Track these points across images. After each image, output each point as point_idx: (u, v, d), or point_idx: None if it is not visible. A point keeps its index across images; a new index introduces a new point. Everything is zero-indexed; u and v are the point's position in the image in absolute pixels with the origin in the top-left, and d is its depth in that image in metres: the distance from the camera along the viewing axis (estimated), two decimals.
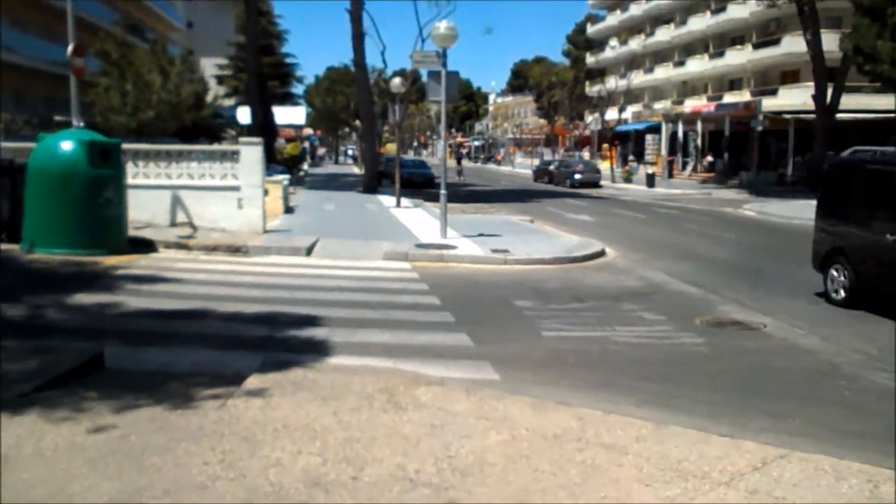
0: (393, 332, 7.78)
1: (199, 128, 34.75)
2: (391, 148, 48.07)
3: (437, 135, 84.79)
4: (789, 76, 45.58)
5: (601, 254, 14.07)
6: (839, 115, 34.56)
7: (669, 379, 6.61)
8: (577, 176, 39.29)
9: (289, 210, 20.41)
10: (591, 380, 6.51)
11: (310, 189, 30.82)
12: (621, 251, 14.65)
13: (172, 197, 14.86)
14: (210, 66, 56.94)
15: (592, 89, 63.16)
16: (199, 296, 9.23)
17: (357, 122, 54.03)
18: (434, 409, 5.18)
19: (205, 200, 14.83)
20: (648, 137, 53.60)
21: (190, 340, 7.22)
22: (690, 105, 50.56)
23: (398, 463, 4.24)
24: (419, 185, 33.73)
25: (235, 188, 14.84)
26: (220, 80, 55.90)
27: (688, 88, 57.03)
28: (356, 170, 53.88)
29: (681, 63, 56.37)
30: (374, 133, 32.11)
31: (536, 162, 55.47)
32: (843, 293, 9.80)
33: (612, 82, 52.89)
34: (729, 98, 48.05)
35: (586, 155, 63.71)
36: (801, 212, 23.35)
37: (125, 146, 13.86)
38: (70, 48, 13.30)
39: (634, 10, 63.40)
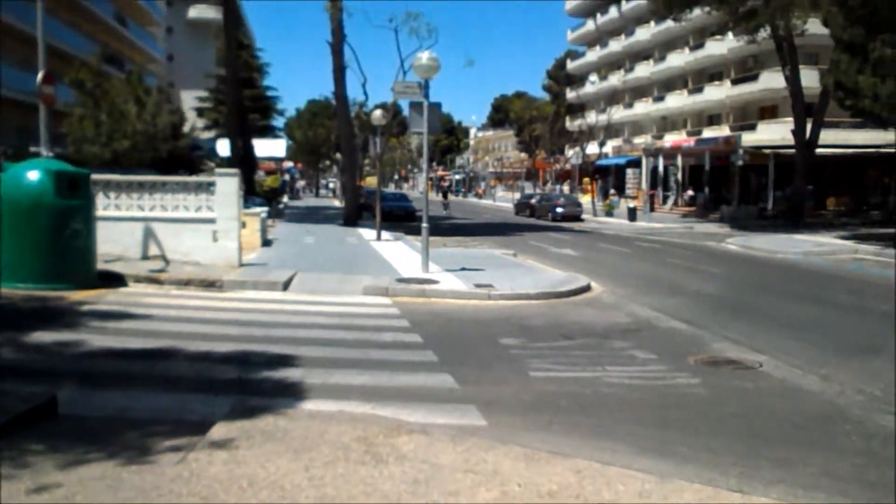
0: (372, 373, 7.33)
1: (176, 159, 34.36)
2: (372, 181, 47.79)
3: (418, 168, 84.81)
4: (767, 111, 46.11)
5: (587, 289, 13.72)
6: (818, 150, 34.81)
7: (668, 424, 6.19)
8: (559, 209, 39.19)
9: (266, 243, 19.94)
10: (585, 425, 6.08)
11: (289, 222, 30.40)
12: (607, 286, 14.31)
13: (145, 229, 14.36)
14: (190, 99, 56.84)
15: (573, 124, 63.52)
16: (168, 333, 8.74)
17: (338, 155, 53.82)
18: (417, 462, 4.72)
19: (179, 233, 14.38)
20: (629, 171, 53.80)
21: (154, 383, 6.71)
22: (670, 140, 50.89)
23: None
24: (400, 218, 33.56)
25: (211, 220, 14.38)
26: (201, 112, 55.74)
27: (667, 123, 57.55)
28: (336, 203, 53.58)
29: (660, 98, 56.95)
30: (354, 165, 31.91)
31: (517, 195, 55.48)
32: None
33: (593, 117, 53.14)
34: (708, 133, 48.44)
35: (566, 189, 63.90)
36: (784, 245, 23.32)
37: (96, 177, 13.42)
38: (40, 76, 12.93)
39: (614, 47, 64.17)
